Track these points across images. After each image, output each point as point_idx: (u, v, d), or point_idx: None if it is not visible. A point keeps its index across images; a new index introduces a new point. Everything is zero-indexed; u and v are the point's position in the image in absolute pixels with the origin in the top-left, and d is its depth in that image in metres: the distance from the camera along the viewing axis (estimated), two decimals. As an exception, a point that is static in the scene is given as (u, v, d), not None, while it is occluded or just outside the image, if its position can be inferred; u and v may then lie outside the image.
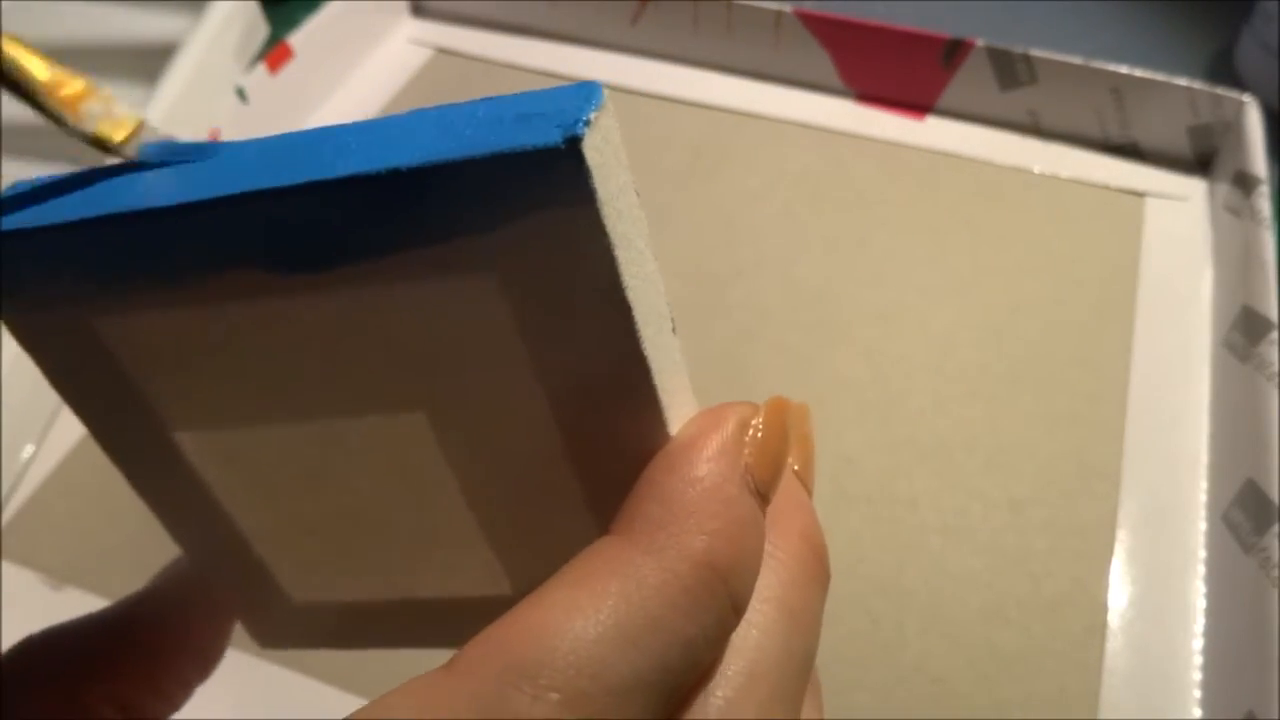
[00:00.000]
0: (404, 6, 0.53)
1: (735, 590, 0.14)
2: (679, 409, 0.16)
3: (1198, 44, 0.53)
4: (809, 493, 0.17)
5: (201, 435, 0.16)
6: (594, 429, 0.15)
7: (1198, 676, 0.30)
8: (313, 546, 0.18)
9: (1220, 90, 0.42)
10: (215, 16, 0.45)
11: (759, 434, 0.15)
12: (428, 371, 0.15)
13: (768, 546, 0.15)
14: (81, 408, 0.16)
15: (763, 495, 0.15)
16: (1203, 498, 0.34)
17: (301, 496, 0.17)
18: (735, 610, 0.14)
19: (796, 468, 0.17)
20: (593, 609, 0.13)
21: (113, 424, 0.17)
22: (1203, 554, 0.33)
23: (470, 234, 0.13)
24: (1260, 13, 0.48)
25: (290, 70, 0.46)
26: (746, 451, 0.15)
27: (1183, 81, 0.43)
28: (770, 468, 0.15)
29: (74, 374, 0.16)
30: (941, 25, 0.46)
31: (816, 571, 0.16)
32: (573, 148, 0.12)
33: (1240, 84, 0.48)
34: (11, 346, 0.34)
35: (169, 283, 0.15)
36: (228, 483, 0.17)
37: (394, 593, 0.18)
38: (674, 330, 0.15)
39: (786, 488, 0.16)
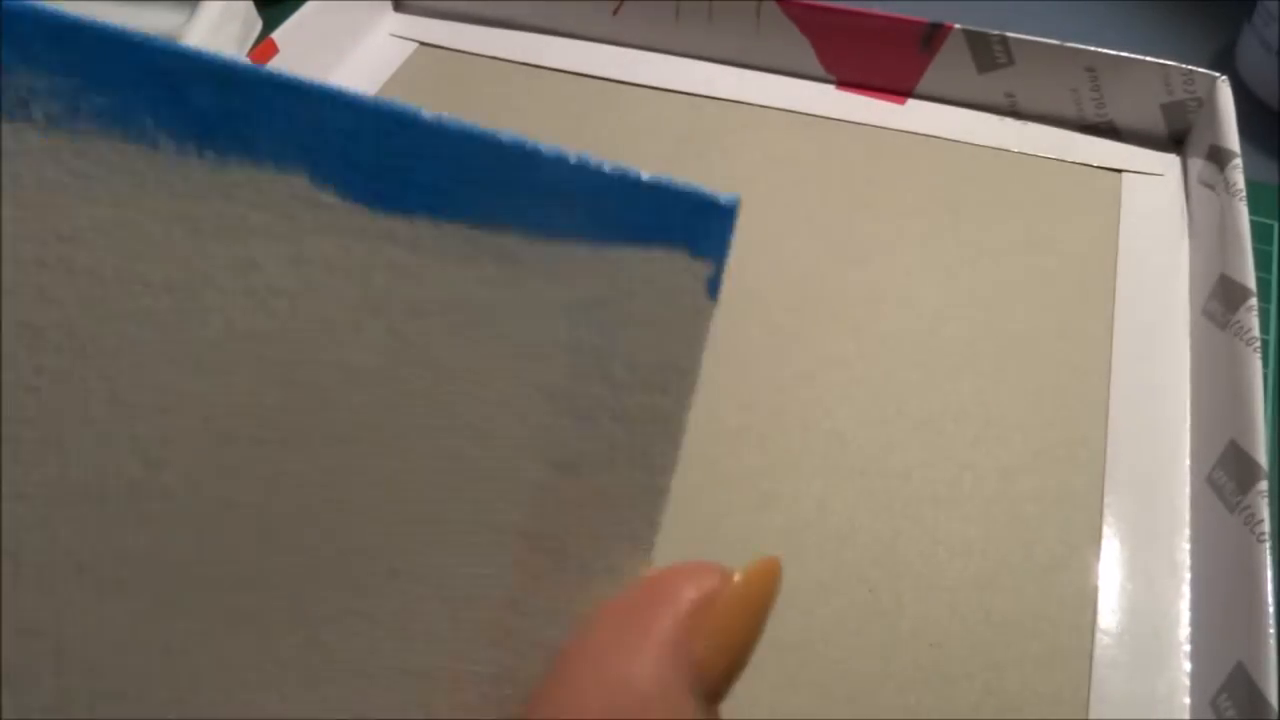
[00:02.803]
0: (386, 3, 0.53)
1: None
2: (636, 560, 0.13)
3: (1198, 44, 0.54)
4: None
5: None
6: (562, 532, 0.13)
7: (1187, 631, 0.31)
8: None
9: (1192, 68, 0.43)
10: (209, 13, 0.45)
11: (720, 619, 0.12)
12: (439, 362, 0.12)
13: None
14: None
15: (712, 696, 0.12)
16: (1187, 461, 0.35)
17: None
18: None
19: None
20: None
21: None
22: (1188, 515, 0.33)
23: (580, 239, 0.12)
24: (1260, 12, 0.48)
25: (275, 66, 0.46)
26: (701, 642, 0.12)
27: (1156, 60, 0.43)
28: (730, 663, 0.12)
29: None
30: (933, 13, 0.47)
31: None
32: (730, 208, 0.13)
33: (1241, 83, 0.49)
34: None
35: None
36: None
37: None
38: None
39: None
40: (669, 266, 0.13)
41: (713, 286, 0.13)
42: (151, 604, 0.11)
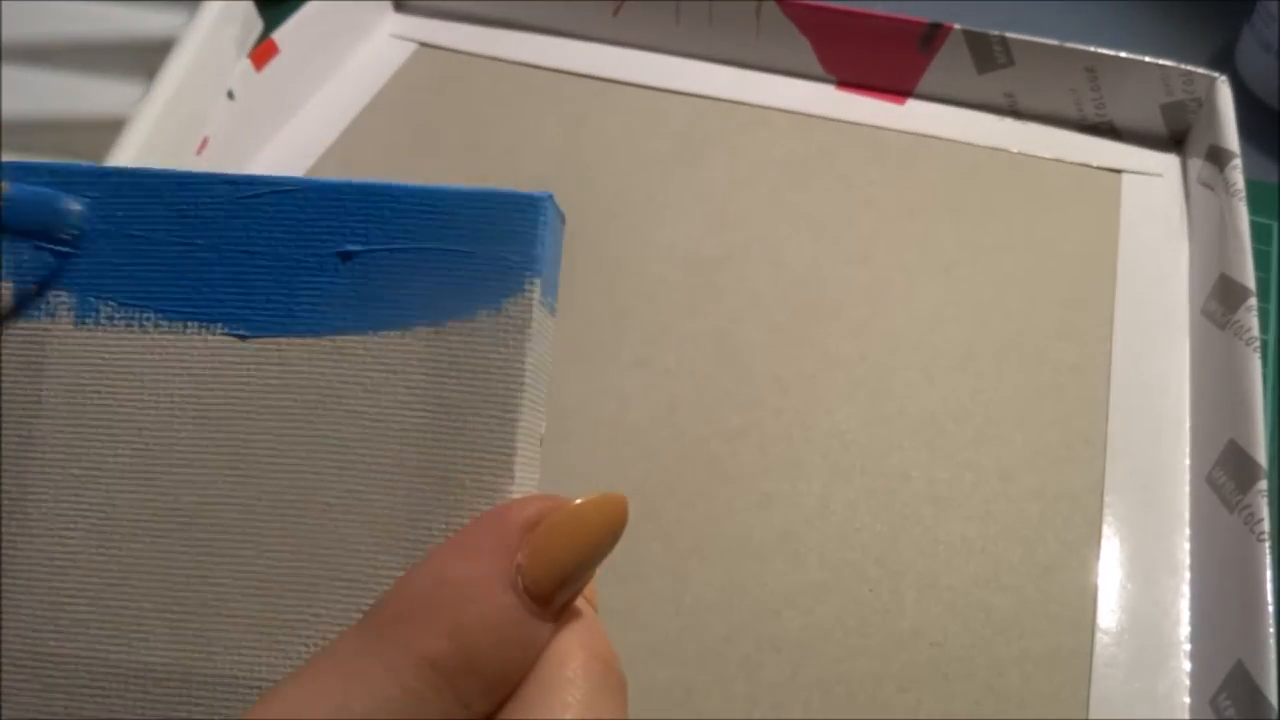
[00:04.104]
0: (386, 4, 0.53)
1: (464, 689, 0.14)
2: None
3: (1198, 44, 0.54)
4: (595, 608, 0.17)
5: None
6: (444, 462, 0.17)
7: (1187, 631, 0.31)
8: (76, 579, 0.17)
9: (1192, 68, 0.43)
10: (209, 14, 0.45)
11: (543, 535, 0.15)
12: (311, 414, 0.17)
13: (560, 668, 0.15)
14: None
15: (539, 597, 0.15)
16: (1186, 460, 0.35)
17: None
18: (466, 709, 0.14)
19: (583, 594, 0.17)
20: (315, 705, 0.13)
21: None
22: (1188, 514, 0.33)
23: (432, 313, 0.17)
24: (1260, 12, 0.49)
25: (275, 66, 0.46)
26: (524, 551, 0.15)
27: (1155, 60, 0.44)
28: (549, 569, 0.15)
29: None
30: (933, 13, 0.47)
31: (611, 684, 0.16)
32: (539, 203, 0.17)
33: (1241, 83, 0.49)
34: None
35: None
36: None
37: (127, 654, 0.17)
38: (540, 444, 0.18)
39: (573, 605, 0.16)
40: (490, 326, 0.17)
41: (547, 300, 0.18)
42: (179, 543, 0.17)
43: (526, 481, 0.17)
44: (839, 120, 0.47)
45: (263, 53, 0.46)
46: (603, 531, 0.16)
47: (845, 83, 0.49)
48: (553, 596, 0.15)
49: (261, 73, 0.46)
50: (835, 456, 0.35)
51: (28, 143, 0.43)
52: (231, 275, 0.18)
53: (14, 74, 0.44)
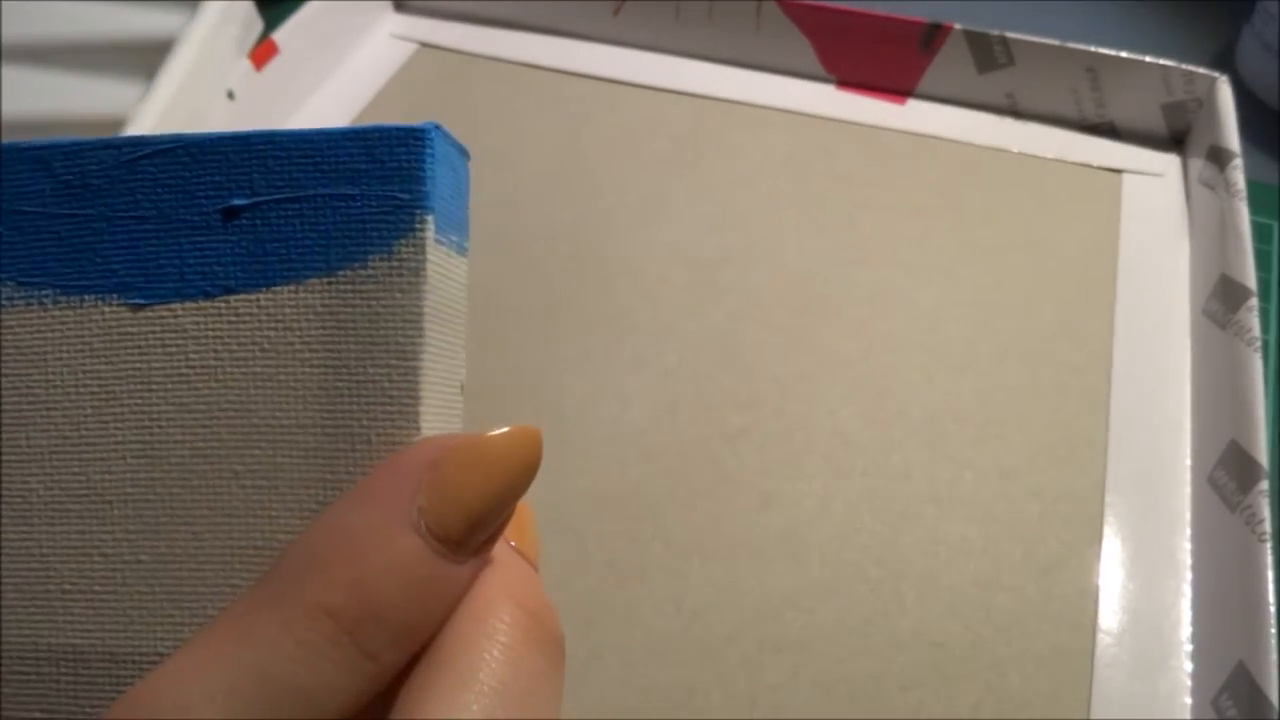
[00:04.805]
0: (386, 4, 0.53)
1: (367, 640, 0.13)
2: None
3: (1198, 44, 0.54)
4: (532, 562, 0.16)
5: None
6: (346, 419, 0.16)
7: (1188, 631, 0.31)
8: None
9: (1192, 68, 0.43)
10: (209, 14, 0.45)
11: (445, 471, 0.14)
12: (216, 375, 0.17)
13: (480, 620, 0.14)
14: None
15: (447, 540, 0.14)
16: (1187, 461, 0.35)
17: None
18: (372, 660, 0.13)
19: (513, 543, 0.16)
20: (208, 669, 0.13)
21: None
22: (1189, 515, 0.33)
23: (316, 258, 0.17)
24: (1260, 12, 0.49)
25: (275, 66, 0.46)
26: (424, 494, 0.14)
27: (1156, 60, 0.44)
28: (455, 507, 0.14)
29: None
30: (933, 13, 0.47)
31: (539, 637, 0.15)
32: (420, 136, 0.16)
33: (1241, 83, 0.49)
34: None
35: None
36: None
37: (55, 638, 0.17)
38: (462, 391, 0.17)
39: (499, 554, 0.15)
40: (387, 269, 0.16)
41: (444, 234, 0.17)
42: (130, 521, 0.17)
43: (441, 432, 0.16)
44: (839, 120, 0.47)
45: (263, 53, 0.46)
46: (512, 465, 0.15)
47: (845, 83, 0.49)
48: (463, 538, 0.14)
49: (261, 73, 0.46)
50: (836, 456, 0.35)
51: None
52: (122, 243, 0.17)
53: (14, 74, 0.44)
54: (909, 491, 0.34)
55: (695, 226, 0.43)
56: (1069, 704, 0.30)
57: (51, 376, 0.17)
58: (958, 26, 0.45)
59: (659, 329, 0.39)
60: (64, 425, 0.17)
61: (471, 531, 0.14)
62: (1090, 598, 0.32)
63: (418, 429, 0.16)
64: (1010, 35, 0.45)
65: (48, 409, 0.17)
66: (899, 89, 0.48)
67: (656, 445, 0.36)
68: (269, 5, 0.50)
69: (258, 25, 0.50)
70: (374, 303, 0.16)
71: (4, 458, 0.17)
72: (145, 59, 0.44)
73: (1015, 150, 0.46)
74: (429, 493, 0.14)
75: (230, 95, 0.44)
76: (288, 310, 0.16)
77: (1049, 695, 0.30)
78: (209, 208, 0.17)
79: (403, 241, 0.16)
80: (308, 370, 0.16)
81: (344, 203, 0.16)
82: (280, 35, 0.47)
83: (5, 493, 0.17)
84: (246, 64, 0.45)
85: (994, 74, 0.46)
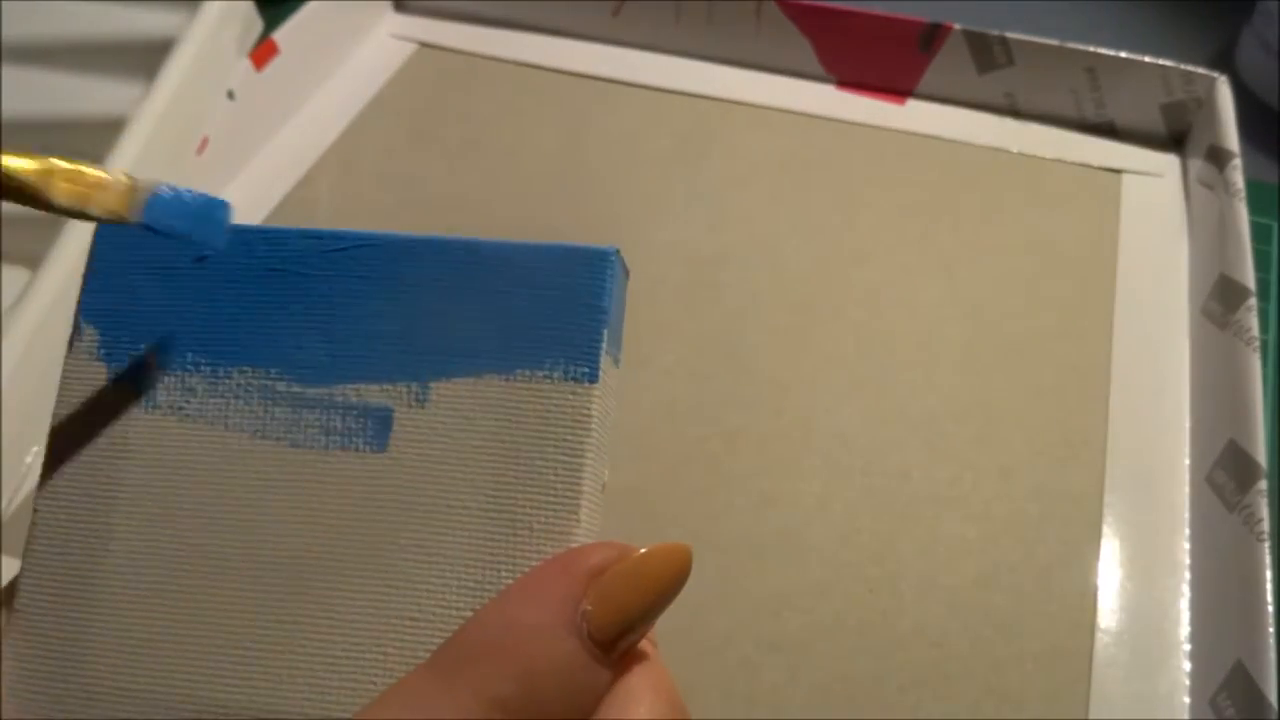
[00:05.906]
0: (386, 4, 0.53)
1: None
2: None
3: (1197, 44, 0.54)
4: (652, 643, 0.17)
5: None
6: (510, 505, 0.17)
7: (1187, 631, 0.31)
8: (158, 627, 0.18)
9: (1192, 68, 0.43)
10: (210, 14, 0.45)
11: (609, 582, 0.16)
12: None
13: (628, 710, 0.15)
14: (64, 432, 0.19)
15: (603, 643, 0.15)
16: (1186, 461, 0.35)
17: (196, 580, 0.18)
18: None
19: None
20: None
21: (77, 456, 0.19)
22: (1188, 515, 0.33)
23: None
24: (1260, 12, 0.49)
25: (275, 66, 0.46)
26: (589, 598, 0.15)
27: (1155, 60, 0.44)
28: (615, 617, 0.15)
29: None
30: (933, 13, 0.47)
31: None
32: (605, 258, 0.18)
33: (1241, 83, 0.49)
34: (14, 352, 0.34)
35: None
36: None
37: (204, 692, 0.18)
38: (604, 489, 0.19)
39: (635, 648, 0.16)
40: (554, 387, 0.18)
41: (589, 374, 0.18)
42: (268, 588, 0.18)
43: (591, 526, 0.18)
44: (839, 120, 0.47)
45: (263, 53, 0.46)
46: (667, 580, 0.16)
47: (845, 83, 0.49)
48: (615, 643, 0.15)
49: (261, 73, 0.46)
50: (835, 456, 0.35)
51: (28, 143, 0.42)
52: (312, 328, 0.18)
53: (14, 74, 0.44)
54: (908, 491, 0.34)
55: (695, 226, 0.43)
56: (1068, 703, 0.30)
57: (230, 441, 0.18)
58: (957, 26, 0.45)
59: (658, 329, 0.39)
60: (237, 489, 0.18)
61: (625, 638, 0.16)
62: (1089, 597, 0.32)
63: (578, 521, 0.17)
64: (1010, 35, 0.45)
65: (218, 472, 0.18)
66: (899, 89, 0.48)
67: (656, 445, 0.36)
68: (269, 5, 0.50)
69: (258, 25, 0.50)
70: (547, 403, 0.18)
71: (169, 513, 0.18)
72: (145, 59, 0.44)
73: (1015, 150, 0.46)
74: (595, 600, 0.15)
75: (230, 95, 0.44)
76: (465, 401, 0.18)
77: (1048, 695, 0.30)
78: (400, 301, 0.18)
79: (579, 350, 0.18)
80: (479, 458, 0.18)
81: (530, 309, 0.18)
82: (280, 35, 0.47)
83: (169, 544, 0.18)
84: (246, 64, 0.45)
85: (994, 74, 0.46)
